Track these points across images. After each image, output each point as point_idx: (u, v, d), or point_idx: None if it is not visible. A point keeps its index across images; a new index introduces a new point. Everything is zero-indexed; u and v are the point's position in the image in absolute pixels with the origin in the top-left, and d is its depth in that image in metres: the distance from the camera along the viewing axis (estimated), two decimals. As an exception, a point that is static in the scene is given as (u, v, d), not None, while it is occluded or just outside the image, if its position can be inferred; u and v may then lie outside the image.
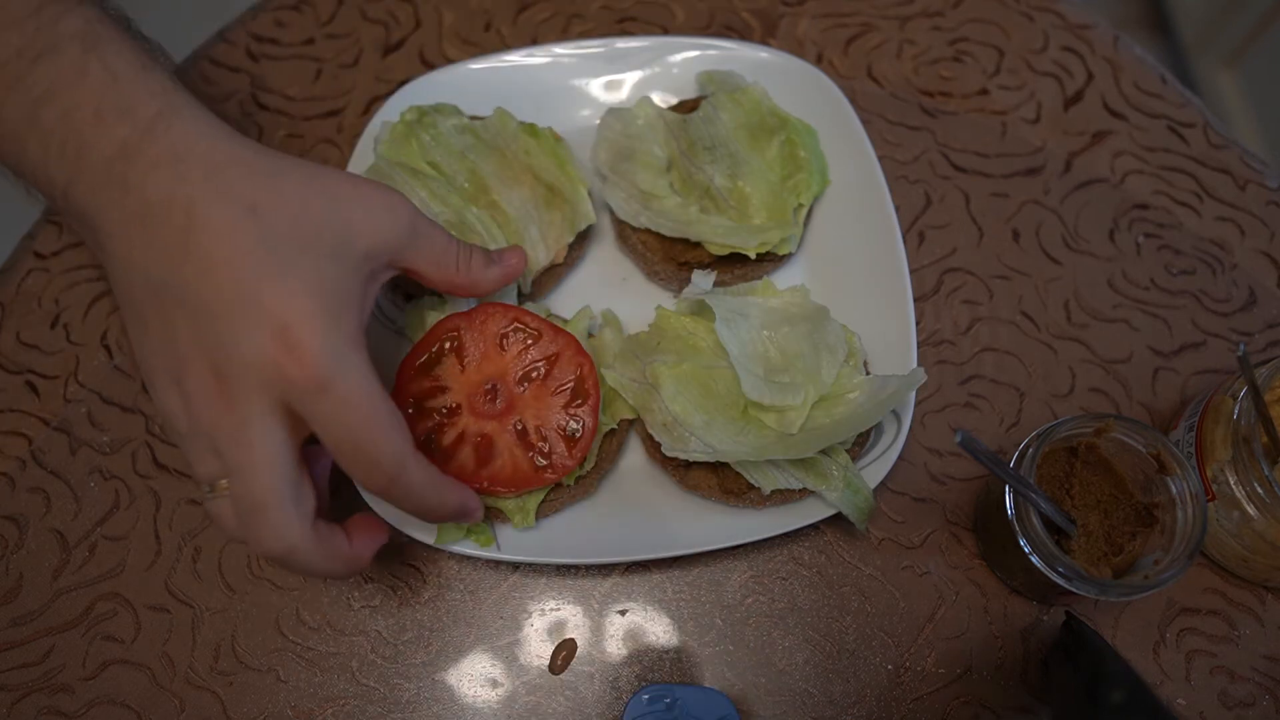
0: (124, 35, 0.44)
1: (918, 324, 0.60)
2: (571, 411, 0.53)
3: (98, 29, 0.43)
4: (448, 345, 0.54)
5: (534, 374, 0.54)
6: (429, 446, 0.52)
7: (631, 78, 0.67)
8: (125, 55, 0.43)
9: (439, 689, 0.55)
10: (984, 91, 0.69)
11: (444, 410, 0.53)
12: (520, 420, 0.53)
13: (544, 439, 0.53)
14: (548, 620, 0.56)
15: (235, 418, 0.41)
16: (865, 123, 0.63)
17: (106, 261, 0.43)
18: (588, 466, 0.55)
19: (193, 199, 0.40)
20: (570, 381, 0.54)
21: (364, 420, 0.41)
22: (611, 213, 0.62)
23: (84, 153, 0.41)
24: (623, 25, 0.72)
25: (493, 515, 0.54)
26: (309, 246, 0.42)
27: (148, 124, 0.41)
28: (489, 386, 0.54)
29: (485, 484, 0.52)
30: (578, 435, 0.53)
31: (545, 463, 0.53)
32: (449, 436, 0.53)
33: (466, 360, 0.54)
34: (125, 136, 0.41)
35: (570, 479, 0.54)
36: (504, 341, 0.54)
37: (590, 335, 0.59)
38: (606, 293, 0.62)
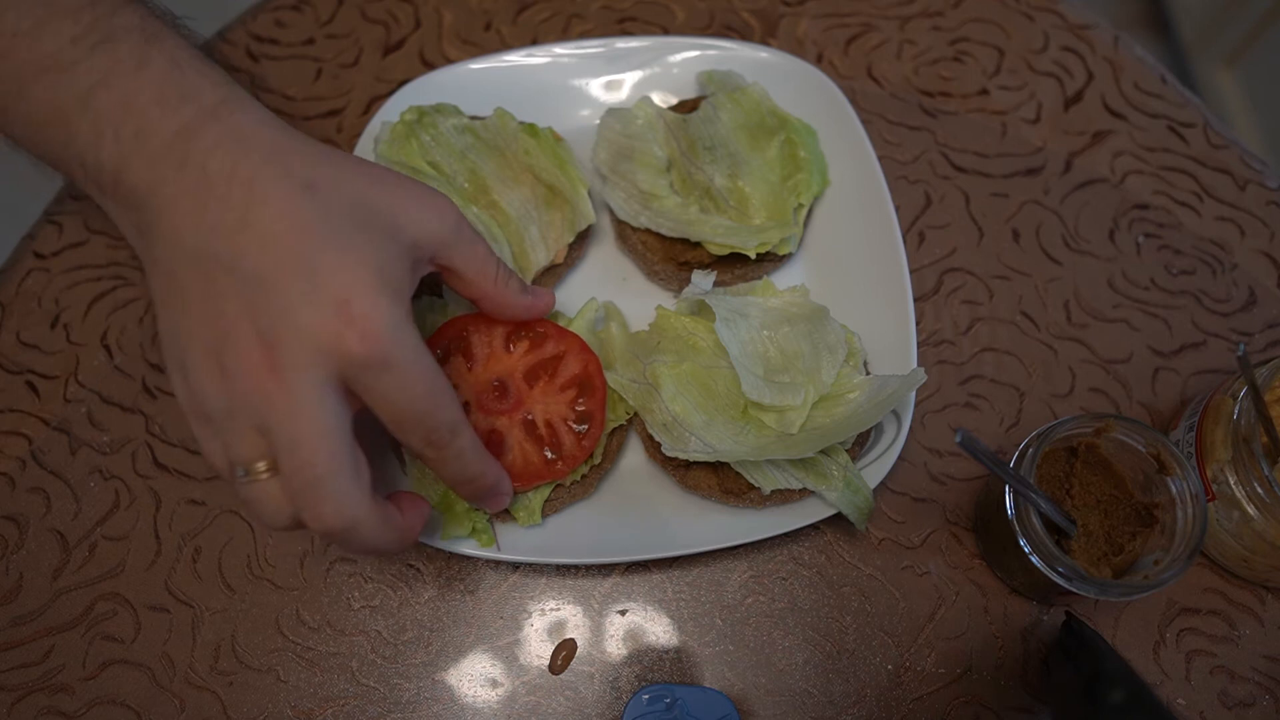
0: (178, 32, 0.45)
1: (918, 324, 0.60)
2: (579, 405, 0.54)
3: (154, 24, 0.44)
4: (455, 345, 0.54)
5: (541, 372, 0.54)
6: None
7: (631, 78, 0.67)
8: (185, 48, 0.44)
9: (439, 689, 0.55)
10: (984, 91, 0.69)
11: None
12: (529, 414, 0.53)
13: (553, 432, 0.53)
14: (548, 620, 0.56)
15: (288, 389, 0.40)
16: (865, 123, 0.64)
17: (150, 242, 0.42)
18: (596, 460, 0.55)
19: (253, 175, 0.41)
20: (577, 377, 0.54)
21: (424, 392, 0.42)
22: (611, 213, 0.62)
23: (143, 134, 0.41)
24: (623, 25, 0.72)
25: (497, 515, 0.54)
26: (365, 226, 0.42)
27: (211, 109, 0.42)
28: (497, 384, 0.54)
29: None
30: (586, 428, 0.53)
31: (555, 455, 0.53)
32: None
33: (474, 360, 0.54)
34: (189, 119, 0.42)
35: (576, 475, 0.55)
36: (510, 341, 0.55)
37: (596, 329, 0.59)
38: (606, 293, 0.62)
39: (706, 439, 0.53)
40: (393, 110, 0.63)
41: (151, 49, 0.43)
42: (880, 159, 0.63)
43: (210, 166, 0.41)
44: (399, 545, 0.46)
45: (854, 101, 0.65)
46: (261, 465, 0.42)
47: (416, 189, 0.46)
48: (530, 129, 0.61)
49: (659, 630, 0.56)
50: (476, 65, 0.65)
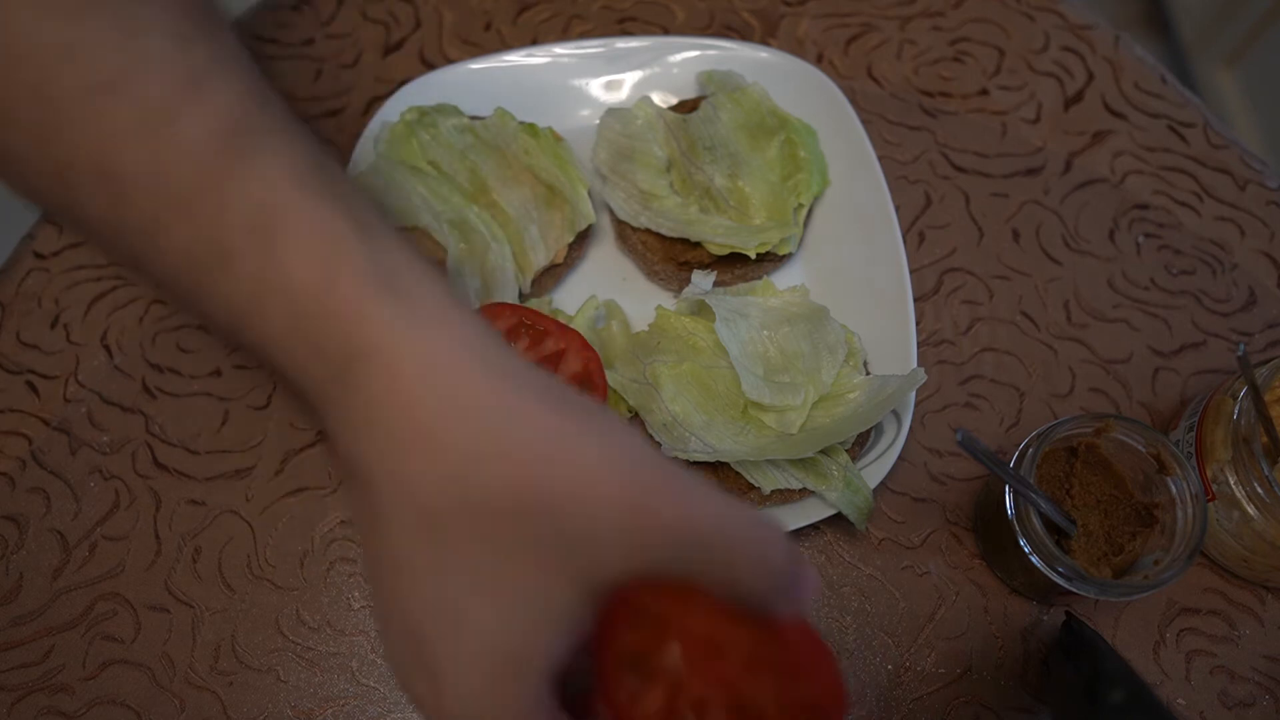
0: (304, 195, 0.30)
1: (918, 324, 0.60)
2: None
3: (278, 195, 0.30)
4: None
5: (541, 369, 0.54)
6: None
7: (631, 78, 0.67)
8: (305, 247, 0.30)
9: (439, 689, 0.55)
10: (984, 91, 0.69)
11: None
12: None
13: None
14: (548, 620, 0.56)
15: None
16: (865, 123, 0.63)
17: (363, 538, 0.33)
18: None
19: (372, 470, 0.30)
20: (577, 375, 0.54)
21: None
22: (611, 213, 0.62)
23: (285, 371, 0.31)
24: (623, 25, 0.72)
25: None
26: (506, 562, 0.29)
27: (336, 372, 0.30)
28: None
29: None
30: None
31: None
32: None
33: None
34: (318, 379, 0.30)
35: None
36: (510, 338, 0.55)
37: (597, 326, 0.59)
38: (606, 292, 0.62)
39: (706, 439, 0.53)
40: (393, 110, 0.63)
41: (268, 268, 0.30)
42: (880, 159, 0.63)
43: (342, 440, 0.31)
44: None
45: (854, 101, 0.65)
46: None
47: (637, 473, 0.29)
48: (530, 129, 0.61)
49: (659, 630, 0.56)
50: (476, 65, 0.65)
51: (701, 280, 0.57)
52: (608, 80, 0.67)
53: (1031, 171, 0.67)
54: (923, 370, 0.53)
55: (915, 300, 0.62)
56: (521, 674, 0.30)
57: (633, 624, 0.32)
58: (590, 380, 0.54)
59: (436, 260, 0.60)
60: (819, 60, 0.70)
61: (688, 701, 0.33)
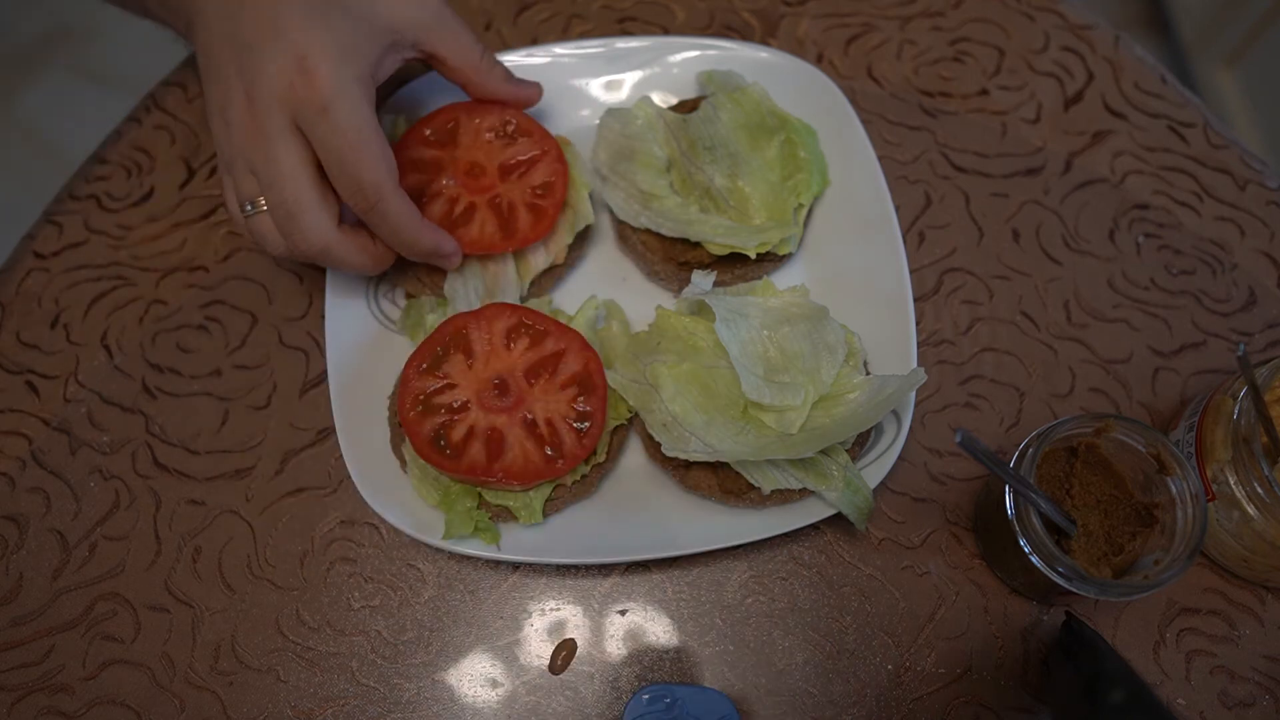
0: None
1: (918, 324, 0.60)
2: (579, 404, 0.54)
3: None
4: (454, 343, 0.54)
5: (541, 369, 0.54)
6: (438, 442, 0.52)
7: (631, 78, 0.67)
8: None
9: (439, 689, 0.55)
10: (984, 92, 0.69)
11: (453, 405, 0.53)
12: (530, 413, 0.53)
13: (554, 430, 0.53)
14: (548, 620, 0.56)
15: (262, 133, 0.50)
16: (865, 123, 0.64)
17: (197, 35, 0.52)
18: (599, 458, 0.55)
19: None
20: (577, 375, 0.54)
21: (352, 144, 0.50)
22: (611, 213, 0.62)
23: None
24: (623, 25, 0.72)
25: (499, 514, 0.54)
26: (341, 6, 0.51)
27: None
28: (497, 381, 0.54)
29: (500, 477, 0.52)
30: (587, 426, 0.53)
31: (555, 454, 0.53)
32: (459, 431, 0.53)
33: (474, 358, 0.54)
34: None
35: (576, 474, 0.55)
36: (510, 339, 0.55)
37: (597, 327, 0.59)
38: (606, 293, 0.62)
39: (706, 439, 0.53)
40: (393, 110, 0.63)
41: None
42: (880, 159, 0.63)
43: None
44: (373, 267, 0.56)
45: (854, 101, 0.65)
46: (261, 201, 0.52)
47: None
48: (530, 129, 0.61)
49: (659, 630, 0.56)
50: (476, 65, 0.65)
51: (701, 280, 0.57)
52: (608, 80, 0.67)
53: (1031, 171, 0.67)
54: (923, 370, 0.53)
55: (915, 300, 0.62)
56: (360, 54, 0.51)
57: (424, 143, 0.59)
58: (590, 381, 0.54)
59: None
60: (819, 60, 0.70)
61: (461, 205, 0.58)
